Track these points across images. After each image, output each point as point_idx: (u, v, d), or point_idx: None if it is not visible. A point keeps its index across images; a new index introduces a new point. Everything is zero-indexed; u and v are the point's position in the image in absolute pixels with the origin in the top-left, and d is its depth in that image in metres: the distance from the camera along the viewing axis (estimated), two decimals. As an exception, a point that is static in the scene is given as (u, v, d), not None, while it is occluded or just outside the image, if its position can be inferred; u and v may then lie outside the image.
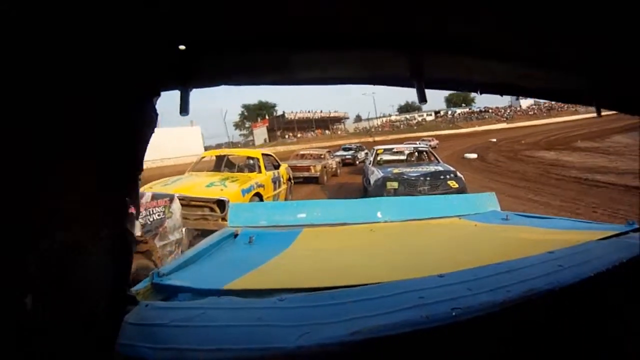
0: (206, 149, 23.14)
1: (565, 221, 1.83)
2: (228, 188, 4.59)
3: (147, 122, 0.63)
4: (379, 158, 7.23)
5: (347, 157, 15.47)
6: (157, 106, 0.65)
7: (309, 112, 45.25)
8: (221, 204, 4.16)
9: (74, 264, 0.50)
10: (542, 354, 0.72)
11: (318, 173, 10.02)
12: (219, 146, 33.51)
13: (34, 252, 0.42)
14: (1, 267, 0.38)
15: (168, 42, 0.58)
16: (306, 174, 9.90)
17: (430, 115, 54.28)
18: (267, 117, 44.80)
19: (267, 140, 42.12)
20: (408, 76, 0.73)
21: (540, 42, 0.67)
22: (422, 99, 0.72)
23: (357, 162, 15.54)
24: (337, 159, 13.36)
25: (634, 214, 5.70)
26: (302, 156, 12.04)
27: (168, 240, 2.85)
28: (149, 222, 2.67)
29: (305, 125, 45.33)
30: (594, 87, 0.86)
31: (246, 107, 47.30)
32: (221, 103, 70.91)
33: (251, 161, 6.04)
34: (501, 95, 0.92)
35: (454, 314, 0.68)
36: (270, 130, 44.02)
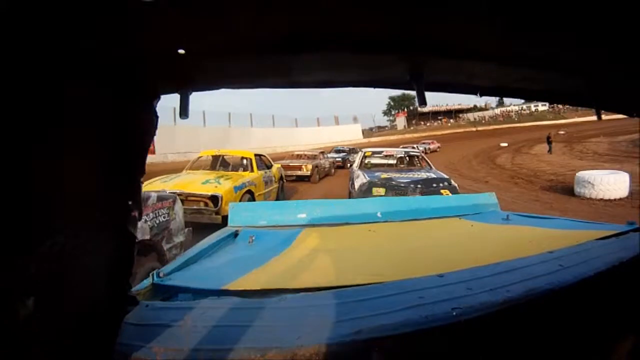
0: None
1: (566, 221, 1.84)
2: (222, 185, 4.90)
3: (148, 124, 0.63)
4: (366, 161, 6.58)
5: (337, 159, 14.67)
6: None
7: (436, 105, 57.51)
8: (215, 199, 4.56)
9: (74, 265, 0.50)
10: (542, 354, 0.72)
11: (309, 172, 10.57)
12: (367, 129, 48.47)
13: (34, 254, 0.42)
14: (2, 268, 0.38)
15: (167, 46, 0.58)
16: (298, 172, 10.47)
17: (544, 105, 56.83)
18: (406, 108, 59.56)
19: (406, 127, 55.58)
20: (408, 79, 0.73)
21: (539, 46, 0.66)
22: (422, 101, 0.72)
23: (348, 165, 14.91)
24: (331, 160, 13.43)
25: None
26: (297, 156, 12.43)
27: (173, 242, 2.78)
28: (156, 225, 2.54)
29: (437, 115, 58.65)
30: (593, 89, 0.86)
31: (392, 98, 61.63)
32: (368, 101, 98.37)
33: (244, 161, 6.30)
34: (501, 97, 0.93)
35: (454, 313, 0.68)
36: (408, 119, 58.06)
